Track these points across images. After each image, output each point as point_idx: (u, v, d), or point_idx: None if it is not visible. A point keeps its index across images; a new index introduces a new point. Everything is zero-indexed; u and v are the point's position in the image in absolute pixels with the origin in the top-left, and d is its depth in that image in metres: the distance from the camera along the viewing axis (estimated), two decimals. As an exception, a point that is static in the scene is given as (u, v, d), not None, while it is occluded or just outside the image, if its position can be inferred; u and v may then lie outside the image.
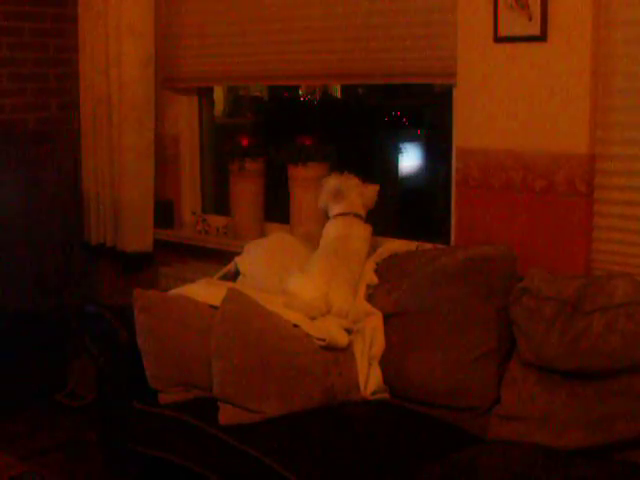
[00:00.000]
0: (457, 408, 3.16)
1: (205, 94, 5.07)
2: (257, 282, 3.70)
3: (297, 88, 5.85)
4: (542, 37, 3.36)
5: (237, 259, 3.88)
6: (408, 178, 5.45)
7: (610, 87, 3.28)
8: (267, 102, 5.99)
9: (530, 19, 3.38)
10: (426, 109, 5.38)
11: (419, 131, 5.58)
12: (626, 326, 2.80)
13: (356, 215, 3.73)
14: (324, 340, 3.28)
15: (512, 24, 3.43)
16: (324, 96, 5.96)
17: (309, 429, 3.04)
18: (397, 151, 5.41)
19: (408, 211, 5.08)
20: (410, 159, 5.47)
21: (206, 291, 3.51)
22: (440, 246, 3.76)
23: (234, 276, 3.84)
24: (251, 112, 6.00)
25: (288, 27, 4.27)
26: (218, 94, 5.59)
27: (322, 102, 5.91)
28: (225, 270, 3.89)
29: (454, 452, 2.89)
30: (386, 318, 3.39)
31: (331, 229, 3.74)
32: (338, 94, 5.98)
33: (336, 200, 3.77)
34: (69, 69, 5.10)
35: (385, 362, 3.33)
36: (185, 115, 4.98)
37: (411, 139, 5.56)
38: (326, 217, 3.89)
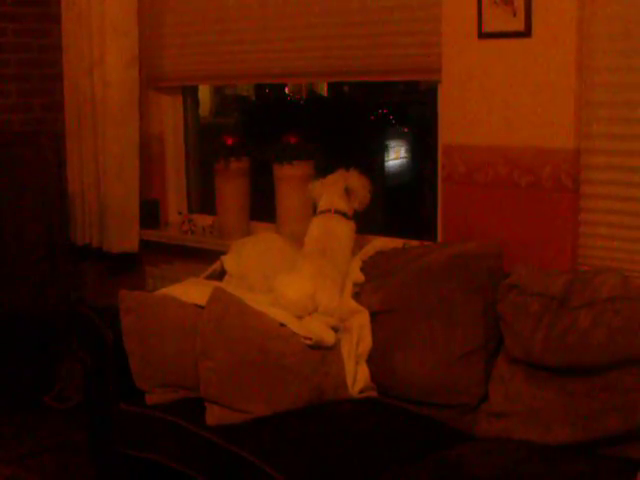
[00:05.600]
0: (445, 405, 3.15)
1: (190, 93, 5.04)
2: (243, 281, 3.69)
3: (283, 87, 5.84)
4: (526, 33, 3.35)
5: (223, 258, 3.86)
6: (394, 175, 5.45)
7: (595, 82, 3.27)
8: (254, 101, 5.98)
9: (514, 14, 3.37)
10: (412, 106, 5.39)
11: (405, 128, 5.58)
12: (613, 321, 2.79)
13: (337, 212, 3.70)
14: (311, 339, 3.27)
15: (496, 20, 3.42)
16: (310, 95, 5.96)
17: (297, 428, 3.03)
18: (383, 148, 5.41)
19: (394, 208, 5.08)
20: (396, 156, 5.47)
21: (192, 291, 3.49)
22: (427, 243, 3.75)
23: (220, 275, 3.82)
24: (238, 111, 5.99)
25: (273, 25, 4.25)
26: (205, 94, 5.58)
27: (308, 101, 5.91)
28: (211, 269, 3.87)
29: (442, 450, 2.87)
30: (373, 316, 3.38)
31: (314, 227, 3.71)
32: (324, 92, 5.98)
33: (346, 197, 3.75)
34: (53, 70, 5.08)
35: (372, 360, 3.32)
36: (170, 114, 4.97)
37: (397, 136, 5.56)
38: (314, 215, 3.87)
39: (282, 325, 3.30)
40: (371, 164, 5.33)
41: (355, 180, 3.76)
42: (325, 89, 6.04)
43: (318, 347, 3.28)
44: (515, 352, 3.04)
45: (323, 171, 3.98)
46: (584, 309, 2.87)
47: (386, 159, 5.46)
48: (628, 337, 2.75)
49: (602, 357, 2.79)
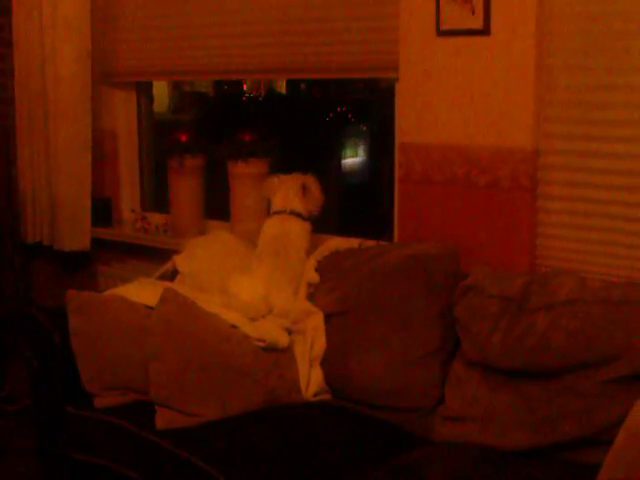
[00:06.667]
0: (400, 409, 3.10)
1: (144, 89, 4.96)
2: (196, 281, 3.62)
3: (242, 84, 5.78)
4: (485, 31, 3.32)
5: (176, 258, 3.79)
6: (352, 174, 5.41)
7: (554, 81, 3.24)
8: (212, 98, 5.91)
9: (473, 12, 3.34)
10: (371, 104, 5.35)
11: (364, 126, 5.54)
12: (570, 324, 2.75)
13: (292, 212, 3.64)
14: (264, 341, 3.21)
15: (454, 17, 3.39)
16: (269, 92, 5.91)
17: (248, 433, 2.95)
18: (341, 146, 5.37)
19: (352, 207, 5.04)
20: (354, 155, 5.43)
21: (142, 291, 3.42)
22: (383, 243, 3.70)
23: (172, 275, 3.75)
24: (196, 108, 5.92)
25: (229, 20, 4.19)
26: (163, 90, 5.50)
27: (267, 98, 5.85)
28: (163, 269, 3.79)
29: (398, 454, 2.83)
30: (327, 317, 3.31)
31: (268, 227, 3.66)
32: (283, 90, 5.93)
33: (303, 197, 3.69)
34: (3, 64, 4.96)
35: (327, 362, 3.26)
36: (123, 111, 4.89)
37: (356, 134, 5.52)
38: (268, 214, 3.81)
39: (234, 327, 3.24)
40: (329, 162, 5.28)
41: (312, 183, 3.71)
42: (284, 87, 5.99)
43: (271, 349, 3.23)
44: (472, 355, 2.99)
45: (279, 169, 3.92)
46: (542, 312, 2.84)
47: (344, 157, 5.42)
48: (585, 340, 2.72)
49: (559, 361, 2.76)
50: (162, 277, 3.75)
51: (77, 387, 3.28)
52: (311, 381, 3.23)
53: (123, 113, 4.89)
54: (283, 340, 3.27)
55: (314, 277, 3.46)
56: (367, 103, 5.40)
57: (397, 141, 3.73)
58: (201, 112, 5.92)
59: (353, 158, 5.43)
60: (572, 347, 2.73)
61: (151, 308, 3.25)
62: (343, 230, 4.13)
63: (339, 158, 5.33)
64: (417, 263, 3.22)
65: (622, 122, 3.13)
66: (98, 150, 4.80)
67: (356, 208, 5.00)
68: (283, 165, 3.98)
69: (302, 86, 5.68)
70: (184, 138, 4.38)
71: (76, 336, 3.29)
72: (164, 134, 5.03)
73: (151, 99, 5.06)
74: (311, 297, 3.43)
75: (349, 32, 3.78)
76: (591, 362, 2.71)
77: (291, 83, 5.75)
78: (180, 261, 3.75)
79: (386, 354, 3.14)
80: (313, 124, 5.43)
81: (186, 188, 4.41)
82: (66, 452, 3.33)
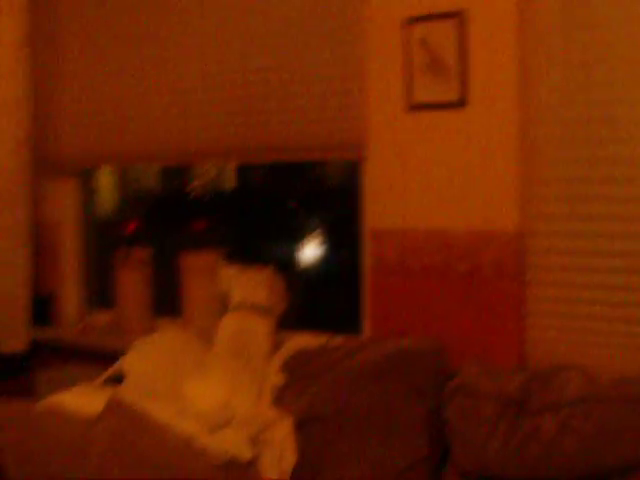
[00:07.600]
0: (385, 529, 2.74)
1: (88, 179, 4.69)
2: (145, 386, 3.27)
3: (190, 175, 5.57)
4: (461, 103, 3.12)
5: (123, 359, 3.43)
6: (312, 266, 5.17)
7: (540, 156, 3.05)
8: (159, 192, 5.70)
9: (447, 83, 3.11)
10: (328, 193, 5.17)
11: (320, 215, 5.35)
12: (583, 426, 2.47)
13: (254, 306, 3.35)
14: (225, 455, 2.86)
15: (427, 89, 3.20)
16: (215, 189, 5.70)
17: None
18: (298, 238, 5.15)
19: (314, 302, 4.78)
20: (313, 246, 5.21)
21: (83, 399, 3.11)
22: (353, 339, 3.39)
23: (120, 379, 3.39)
24: (142, 204, 5.70)
25: (178, 101, 3.97)
26: (109, 182, 5.26)
27: (214, 196, 5.65)
28: (109, 373, 3.46)
29: None
30: (297, 425, 2.98)
31: (226, 324, 3.39)
32: (232, 181, 5.72)
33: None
34: None
35: (297, 477, 2.91)
36: (65, 200, 4.62)
37: (313, 225, 5.31)
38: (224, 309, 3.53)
39: (191, 440, 2.88)
40: (286, 253, 5.04)
41: (272, 275, 3.44)
42: (234, 177, 5.78)
43: (233, 464, 2.87)
44: (466, 464, 2.69)
45: (234, 261, 3.68)
46: (548, 413, 2.57)
47: (301, 249, 5.20)
48: (602, 445, 2.45)
49: (573, 469, 2.48)
50: (108, 382, 3.39)
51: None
52: (281, 500, 2.87)
53: (65, 203, 4.62)
54: (247, 452, 2.92)
55: (280, 379, 3.13)
56: (323, 192, 5.21)
57: (366, 227, 3.49)
58: (148, 205, 5.69)
59: (312, 249, 5.20)
60: (586, 453, 2.47)
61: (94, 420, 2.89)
62: (306, 325, 3.83)
63: (296, 249, 5.10)
64: (398, 361, 2.93)
65: (617, 199, 2.95)
66: (38, 243, 4.50)
67: (318, 301, 4.74)
68: (237, 257, 3.69)
69: (256, 177, 5.47)
70: (131, 229, 4.09)
71: (6, 455, 2.93)
72: (110, 225, 4.75)
73: (95, 189, 4.78)
74: (277, 402, 3.10)
75: (312, 110, 3.57)
76: (608, 471, 2.44)
77: (242, 173, 5.55)
78: (127, 363, 3.41)
79: (366, 466, 2.81)
80: (266, 217, 5.21)
81: (133, 282, 4.16)
82: None
